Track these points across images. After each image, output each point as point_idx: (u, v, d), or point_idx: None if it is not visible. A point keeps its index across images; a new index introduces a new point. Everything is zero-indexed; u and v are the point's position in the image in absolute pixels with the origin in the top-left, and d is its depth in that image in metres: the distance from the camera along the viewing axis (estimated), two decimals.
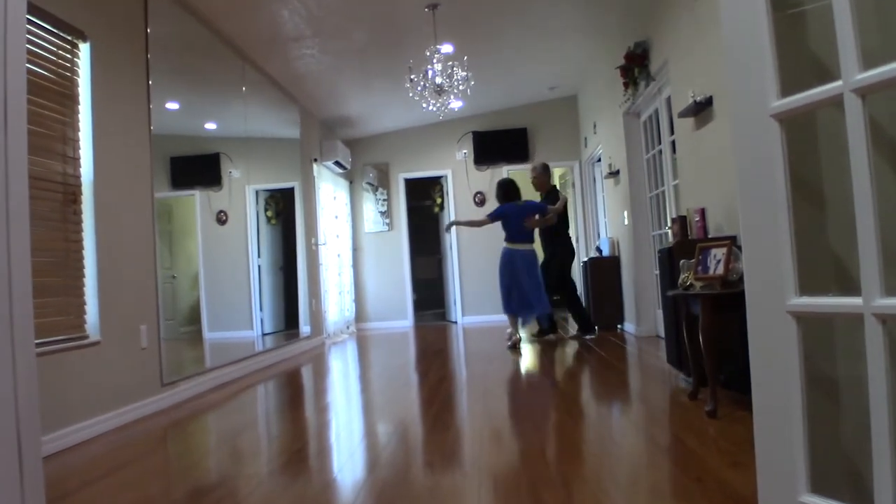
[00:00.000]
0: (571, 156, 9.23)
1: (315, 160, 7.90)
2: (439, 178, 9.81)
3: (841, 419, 1.24)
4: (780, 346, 1.16)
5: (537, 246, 6.35)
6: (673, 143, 5.09)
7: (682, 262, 3.34)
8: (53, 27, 3.33)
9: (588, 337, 6.35)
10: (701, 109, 4.05)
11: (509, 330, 6.20)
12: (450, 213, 9.47)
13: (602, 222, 8.40)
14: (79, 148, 3.50)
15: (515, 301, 6.05)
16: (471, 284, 9.21)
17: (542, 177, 6.58)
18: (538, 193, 6.72)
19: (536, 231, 6.44)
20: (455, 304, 9.49)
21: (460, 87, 5.76)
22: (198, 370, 4.63)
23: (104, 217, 3.62)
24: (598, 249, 7.52)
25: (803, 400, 1.15)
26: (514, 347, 6.02)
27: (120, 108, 3.88)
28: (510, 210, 6.06)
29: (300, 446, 2.91)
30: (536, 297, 6.01)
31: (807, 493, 1.16)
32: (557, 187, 6.76)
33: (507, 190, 6.22)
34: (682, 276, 3.26)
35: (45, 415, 3.03)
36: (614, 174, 6.78)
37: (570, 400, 3.68)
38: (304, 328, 7.06)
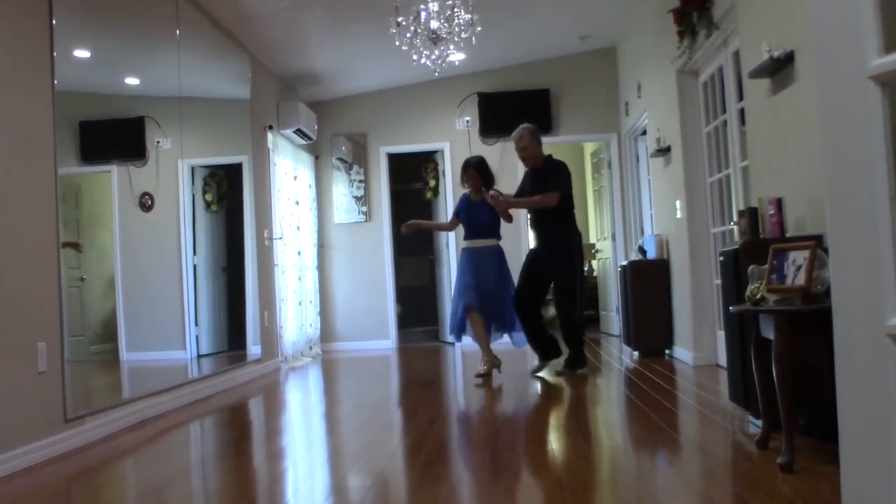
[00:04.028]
0: (608, 127, 9.24)
1: (270, 128, 7.89)
2: (433, 153, 9.80)
3: None
4: (877, 378, 1.16)
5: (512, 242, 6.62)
6: (742, 111, 5.10)
7: (750, 268, 3.35)
8: None
9: (571, 371, 6.05)
10: (779, 68, 4.06)
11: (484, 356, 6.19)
12: (447, 199, 9.47)
13: (647, 215, 8.40)
14: None
15: (484, 300, 6.14)
16: None
17: (534, 146, 6.18)
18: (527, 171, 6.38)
19: (526, 219, 6.47)
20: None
21: (463, 35, 5.76)
22: (113, 402, 4.63)
23: None
24: (642, 250, 7.53)
25: None
26: (487, 372, 6.07)
27: (12, 56, 3.86)
28: (463, 201, 6.47)
29: None
30: (506, 307, 6.19)
31: None
32: (554, 156, 6.31)
33: (482, 170, 6.32)
34: (750, 287, 3.27)
35: None
36: (663, 152, 6.78)
37: (603, 448, 3.68)
38: (254, 349, 7.06)
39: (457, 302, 6.28)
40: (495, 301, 6.18)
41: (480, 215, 6.25)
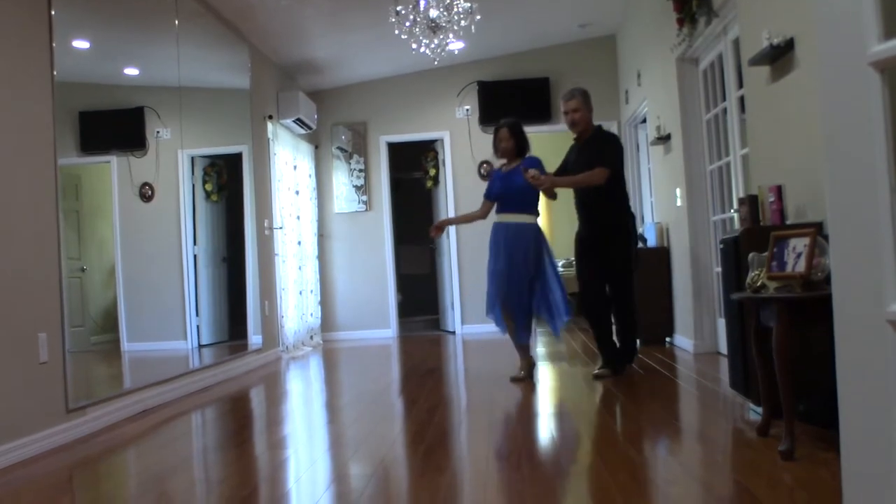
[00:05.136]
0: (608, 114, 9.20)
1: (270, 118, 7.88)
2: (433, 142, 9.78)
3: None
4: (877, 366, 1.16)
5: (561, 220, 5.52)
6: (741, 99, 5.08)
7: (751, 255, 3.35)
8: None
9: (602, 371, 5.31)
10: (779, 55, 4.04)
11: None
12: (447, 189, 9.46)
13: (647, 203, 8.40)
14: None
15: (510, 295, 5.25)
16: (473, 283, 9.20)
17: (586, 110, 5.37)
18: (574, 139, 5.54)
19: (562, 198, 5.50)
20: (452, 308, 9.50)
21: (462, 23, 5.74)
22: (114, 392, 4.64)
23: None
24: (642, 238, 7.53)
25: None
26: (525, 376, 5.30)
27: (12, 47, 3.85)
28: (495, 175, 5.57)
29: (248, 493, 2.91)
30: (551, 296, 5.24)
31: None
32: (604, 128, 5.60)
33: (516, 133, 5.44)
34: (750, 275, 3.27)
35: None
36: (664, 139, 6.77)
37: (603, 437, 3.69)
38: (254, 339, 7.06)
39: (491, 291, 5.38)
40: (533, 289, 5.23)
41: (517, 182, 5.22)
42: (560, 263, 7.25)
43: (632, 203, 8.65)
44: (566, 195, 5.56)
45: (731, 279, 3.92)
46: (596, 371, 5.31)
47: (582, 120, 5.35)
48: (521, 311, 5.27)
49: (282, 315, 7.83)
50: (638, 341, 5.73)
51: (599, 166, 5.08)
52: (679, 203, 6.46)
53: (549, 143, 8.08)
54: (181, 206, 5.86)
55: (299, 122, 8.35)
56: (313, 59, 8.47)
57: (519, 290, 5.22)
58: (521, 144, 5.41)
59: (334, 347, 8.76)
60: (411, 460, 3.33)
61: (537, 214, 5.41)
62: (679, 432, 3.65)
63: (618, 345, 5.45)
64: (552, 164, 5.52)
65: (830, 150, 1.27)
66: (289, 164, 8.41)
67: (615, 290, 5.38)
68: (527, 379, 5.27)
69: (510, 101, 9.16)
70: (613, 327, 5.50)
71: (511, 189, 5.29)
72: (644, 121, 8.06)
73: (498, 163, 5.59)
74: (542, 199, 5.45)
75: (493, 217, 5.52)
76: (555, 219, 11.53)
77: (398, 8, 5.71)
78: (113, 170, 5.08)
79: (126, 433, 4.22)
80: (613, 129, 9.19)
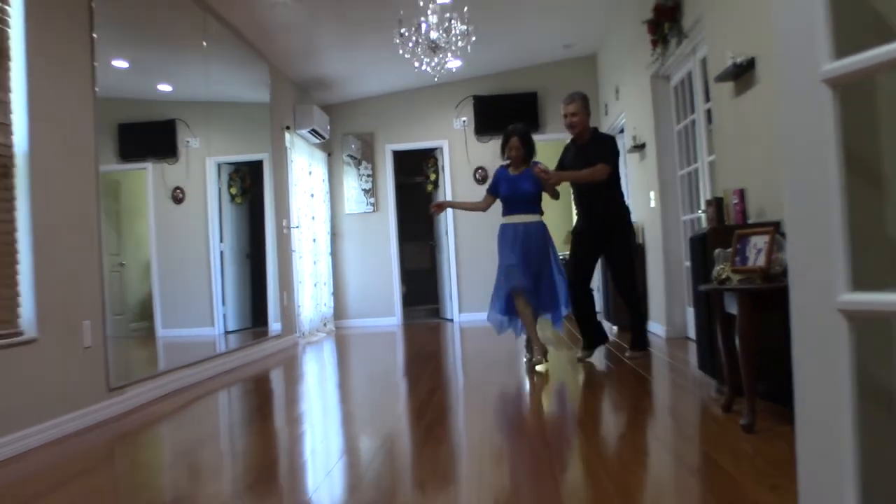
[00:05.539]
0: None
1: (287, 128, 7.88)
2: (433, 150, 9.78)
3: None
4: (829, 350, 1.17)
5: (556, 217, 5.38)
6: (708, 111, 5.09)
7: (716, 251, 3.35)
8: None
9: (642, 351, 5.29)
10: (741, 73, 4.05)
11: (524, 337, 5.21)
12: (446, 192, 9.46)
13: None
14: (10, 112, 3.48)
15: (526, 283, 5.03)
16: (470, 276, 9.22)
17: (584, 114, 5.19)
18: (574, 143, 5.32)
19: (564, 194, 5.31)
20: (451, 298, 9.51)
21: (459, 44, 5.74)
22: (150, 373, 4.64)
23: (41, 194, 3.60)
24: None
25: (855, 414, 1.16)
26: (540, 362, 5.02)
27: (59, 66, 3.85)
28: (501, 175, 5.26)
29: (269, 463, 2.92)
30: (556, 289, 5.10)
31: None
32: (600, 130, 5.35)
33: (526, 140, 5.18)
34: (716, 269, 3.27)
35: None
36: (639, 148, 6.77)
37: (585, 413, 3.70)
38: (274, 326, 7.07)
39: (500, 286, 5.16)
40: (540, 282, 5.09)
41: (524, 187, 5.09)
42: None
43: None
44: (567, 197, 5.56)
45: (699, 272, 3.92)
46: (579, 355, 5.32)
47: (580, 123, 5.19)
48: (533, 298, 5.09)
49: (298, 305, 7.83)
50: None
51: (601, 164, 4.99)
52: (653, 205, 6.47)
53: (538, 152, 8.06)
54: (209, 208, 5.86)
55: (314, 132, 8.35)
56: (326, 76, 8.47)
57: (532, 280, 5.06)
58: (531, 151, 5.19)
59: (345, 334, 8.76)
60: (414, 434, 3.33)
61: (542, 213, 5.23)
62: (653, 408, 3.66)
63: (633, 332, 5.35)
64: None
65: (787, 157, 1.27)
66: (304, 169, 8.41)
67: (621, 282, 5.26)
68: (543, 362, 5.03)
69: (502, 114, 9.16)
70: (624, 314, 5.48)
71: (517, 193, 5.12)
72: (622, 131, 8.06)
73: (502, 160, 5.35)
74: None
75: (491, 213, 5.50)
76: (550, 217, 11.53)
77: (402, 30, 5.71)
78: (148, 175, 5.08)
79: (160, 410, 4.22)
80: None
